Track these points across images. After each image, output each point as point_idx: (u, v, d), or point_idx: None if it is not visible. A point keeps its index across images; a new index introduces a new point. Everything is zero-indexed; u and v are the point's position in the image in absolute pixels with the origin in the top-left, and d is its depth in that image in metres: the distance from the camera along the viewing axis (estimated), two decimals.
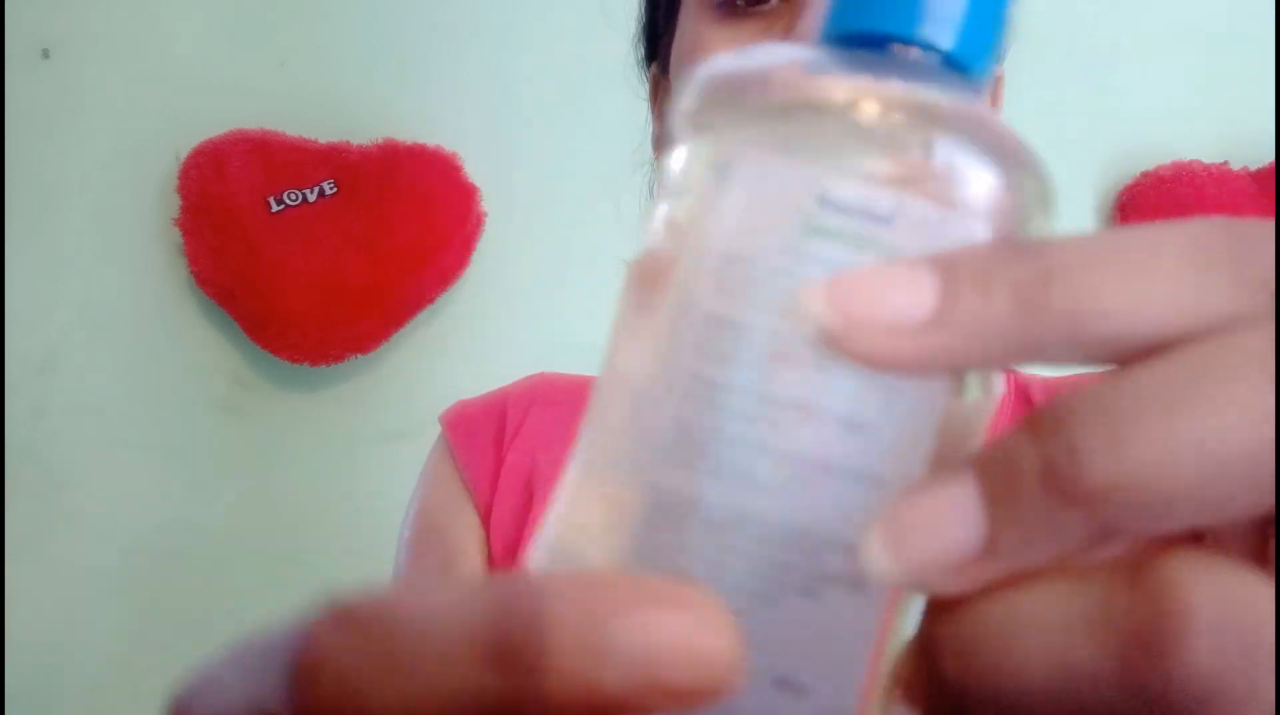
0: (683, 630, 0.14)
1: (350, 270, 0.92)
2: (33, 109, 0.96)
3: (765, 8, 0.50)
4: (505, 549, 0.56)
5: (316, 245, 0.92)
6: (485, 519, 0.57)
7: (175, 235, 0.93)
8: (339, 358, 0.93)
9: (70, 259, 0.96)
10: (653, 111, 0.60)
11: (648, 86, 0.61)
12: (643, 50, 0.62)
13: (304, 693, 0.14)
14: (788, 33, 0.49)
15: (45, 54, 0.97)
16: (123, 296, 0.96)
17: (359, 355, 0.94)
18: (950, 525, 0.14)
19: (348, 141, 0.96)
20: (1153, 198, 1.02)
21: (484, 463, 0.59)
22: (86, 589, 0.93)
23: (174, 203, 0.93)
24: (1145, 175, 1.04)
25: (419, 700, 0.14)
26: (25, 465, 0.94)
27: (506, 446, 0.59)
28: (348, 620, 0.14)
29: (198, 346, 0.96)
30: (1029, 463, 0.14)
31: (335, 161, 0.95)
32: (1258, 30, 1.05)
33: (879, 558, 0.14)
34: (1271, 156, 1.04)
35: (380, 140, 0.96)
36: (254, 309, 0.92)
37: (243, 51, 0.99)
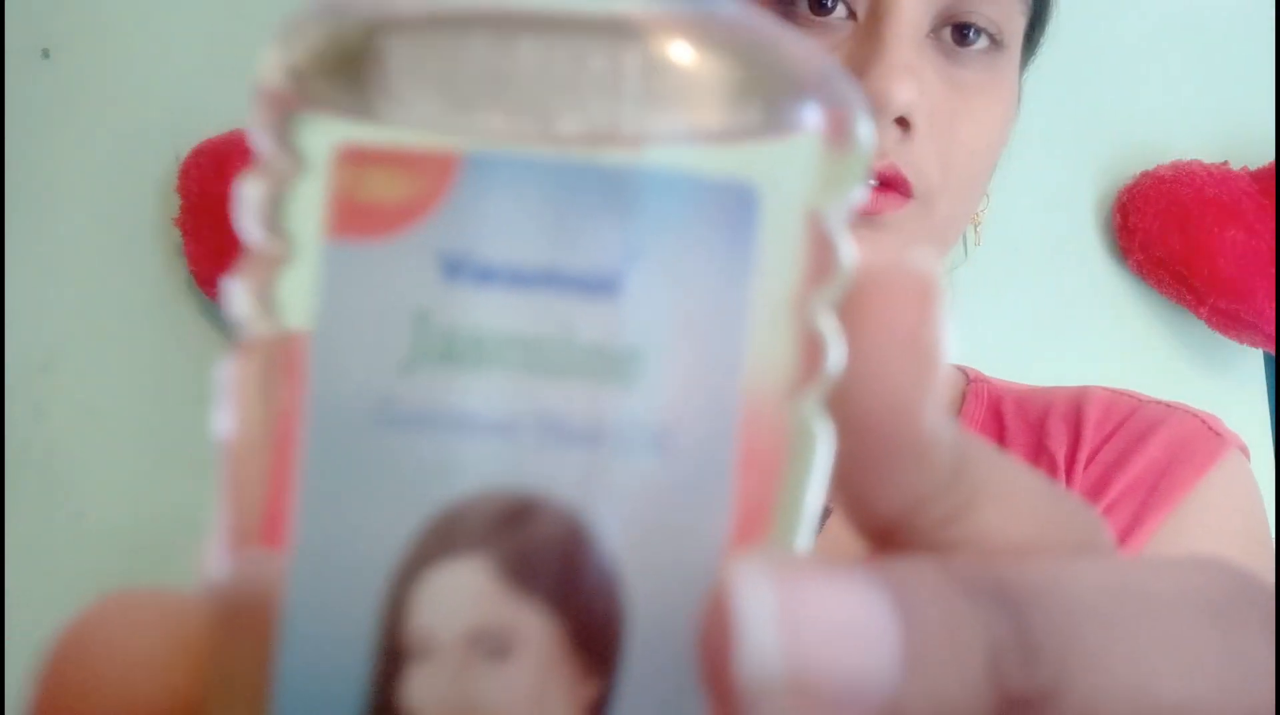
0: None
1: None
2: (33, 109, 0.96)
3: (829, 18, 0.48)
4: None
5: None
6: None
7: (175, 235, 0.93)
8: None
9: (70, 259, 0.96)
10: None
11: None
12: None
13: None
14: (854, 53, 0.47)
15: (45, 54, 0.97)
16: (123, 296, 0.96)
17: None
18: (859, 628, 0.10)
19: None
20: (1153, 198, 1.02)
21: None
22: (86, 589, 0.93)
23: (174, 203, 0.93)
24: (1145, 175, 1.04)
25: None
26: (25, 465, 0.94)
27: None
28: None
29: (198, 346, 0.96)
30: (972, 634, 0.11)
31: None
32: (1258, 30, 1.05)
33: (758, 615, 0.10)
34: (1271, 156, 1.03)
35: None
36: None
37: (243, 51, 0.99)
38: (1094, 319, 1.05)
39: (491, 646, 0.11)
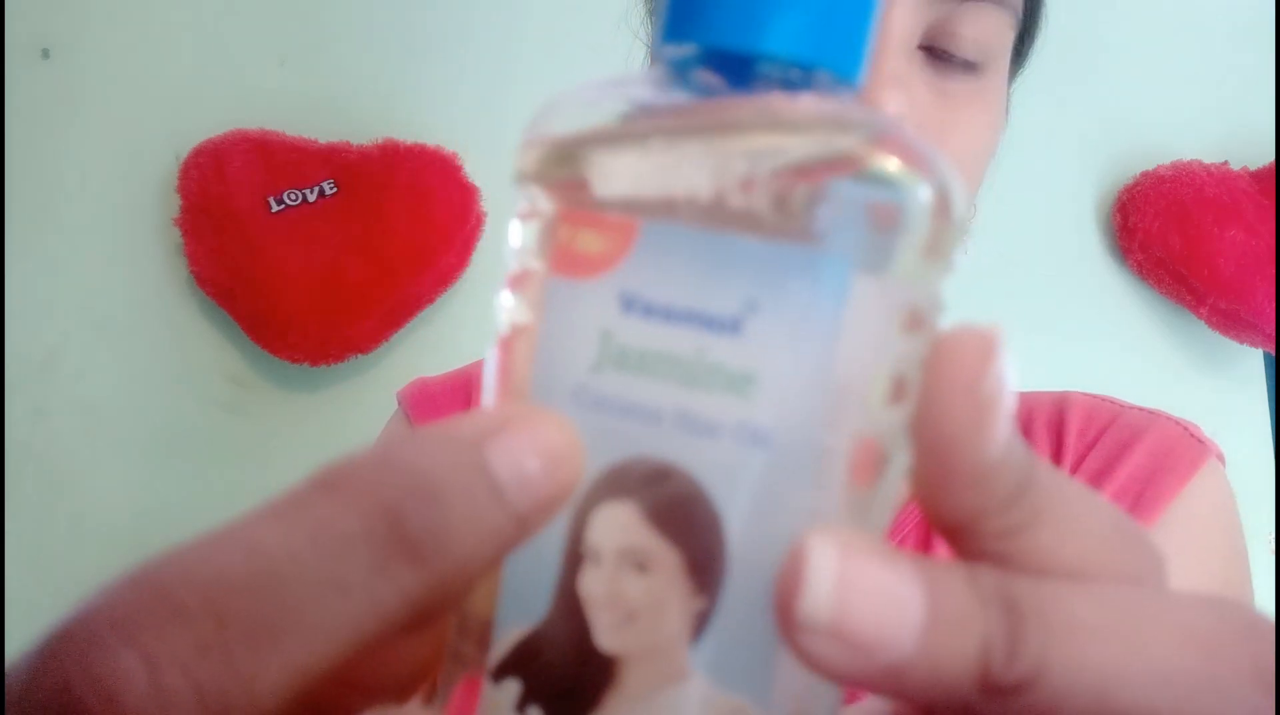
0: (532, 441, 0.14)
1: (350, 270, 0.92)
2: (33, 109, 0.96)
3: None
4: None
5: (316, 245, 0.92)
6: None
7: (175, 235, 0.93)
8: (339, 358, 0.93)
9: (70, 259, 0.96)
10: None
11: (651, 33, 0.59)
12: None
13: None
14: None
15: (45, 54, 0.97)
16: (123, 296, 0.96)
17: (359, 355, 0.94)
18: (893, 605, 0.14)
19: (348, 142, 0.96)
20: (1153, 198, 1.02)
21: None
22: (87, 589, 0.93)
23: (174, 203, 0.93)
24: (1145, 175, 1.04)
25: (322, 644, 0.13)
26: (25, 465, 0.94)
27: None
28: (159, 610, 0.12)
29: (198, 346, 0.96)
30: (973, 631, 0.14)
31: (335, 161, 0.95)
32: (1258, 30, 1.05)
33: (820, 573, 0.14)
34: (1271, 156, 1.03)
35: (380, 140, 0.96)
36: (254, 309, 0.92)
37: (243, 51, 0.99)
38: (1094, 319, 1.05)
39: (635, 561, 0.16)
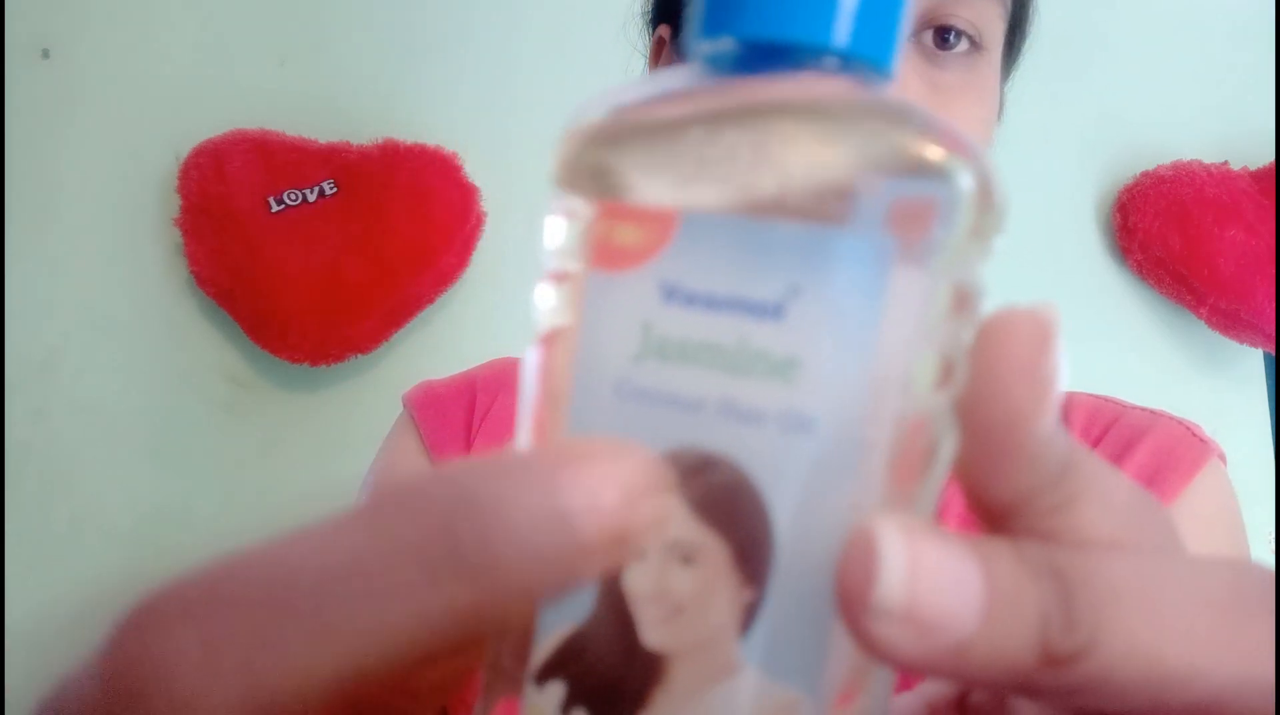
0: (612, 475, 0.14)
1: (350, 270, 0.92)
2: (33, 109, 0.96)
3: None
4: None
5: (316, 245, 0.92)
6: None
7: (175, 235, 0.93)
8: (339, 358, 0.93)
9: (70, 259, 0.96)
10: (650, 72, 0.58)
11: (649, 44, 0.59)
12: (651, 6, 0.60)
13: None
14: None
15: (45, 54, 0.97)
16: (123, 296, 0.96)
17: (359, 355, 0.94)
18: (956, 584, 0.14)
19: (348, 141, 0.96)
20: (1153, 198, 1.02)
21: (452, 446, 0.58)
22: (86, 589, 0.93)
23: (174, 203, 0.93)
24: (1145, 175, 1.04)
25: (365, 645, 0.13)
26: (25, 465, 0.94)
27: (476, 431, 0.58)
28: (197, 604, 0.13)
29: (198, 346, 0.96)
30: (1030, 600, 0.14)
31: (335, 161, 0.95)
32: (1258, 30, 1.05)
33: (890, 556, 0.14)
34: (1271, 156, 1.04)
35: (380, 140, 0.96)
36: (254, 309, 0.92)
37: (242, 51, 0.99)
38: (1094, 319, 1.05)
39: (682, 554, 0.15)
